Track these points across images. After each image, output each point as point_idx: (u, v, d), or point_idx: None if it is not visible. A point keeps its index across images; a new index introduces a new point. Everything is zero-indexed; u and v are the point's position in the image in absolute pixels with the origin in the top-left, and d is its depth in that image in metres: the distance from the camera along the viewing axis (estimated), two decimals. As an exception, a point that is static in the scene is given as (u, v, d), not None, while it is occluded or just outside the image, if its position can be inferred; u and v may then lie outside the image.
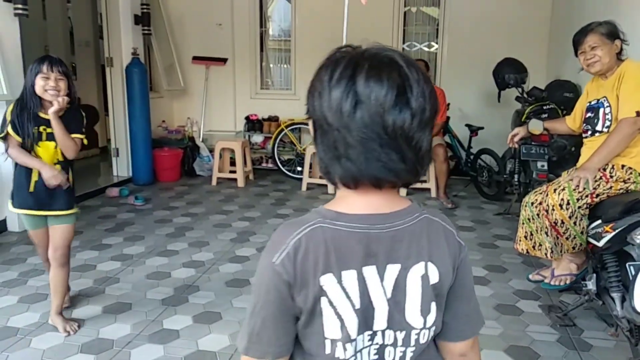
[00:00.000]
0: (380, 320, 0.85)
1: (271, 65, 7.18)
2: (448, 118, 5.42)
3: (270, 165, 6.62)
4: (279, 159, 6.35)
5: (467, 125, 5.62)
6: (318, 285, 0.81)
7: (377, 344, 0.86)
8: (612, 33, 2.37)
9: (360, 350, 0.86)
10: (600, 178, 2.31)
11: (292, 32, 6.64)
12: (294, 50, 6.64)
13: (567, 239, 2.35)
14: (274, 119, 6.58)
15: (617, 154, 2.29)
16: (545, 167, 3.71)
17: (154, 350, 2.53)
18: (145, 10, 5.87)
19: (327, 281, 0.81)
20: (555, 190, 2.38)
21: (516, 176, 4.26)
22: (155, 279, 3.35)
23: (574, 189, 2.36)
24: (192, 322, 2.80)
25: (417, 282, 0.85)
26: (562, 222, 2.34)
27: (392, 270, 0.84)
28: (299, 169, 6.20)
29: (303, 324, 0.84)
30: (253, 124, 6.61)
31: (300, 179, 5.87)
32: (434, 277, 0.86)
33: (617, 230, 2.06)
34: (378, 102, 0.77)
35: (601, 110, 2.41)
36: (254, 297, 0.85)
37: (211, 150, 6.32)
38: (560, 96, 4.51)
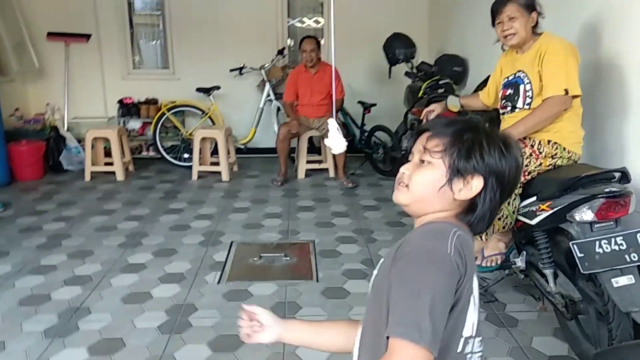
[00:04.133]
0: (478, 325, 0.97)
1: (143, 42, 6.45)
2: (342, 95, 5.28)
3: (152, 153, 6.00)
4: (162, 145, 5.76)
5: (360, 102, 5.54)
6: (472, 284, 0.92)
7: (479, 351, 0.98)
8: (530, 5, 2.33)
9: (472, 353, 0.96)
10: (530, 155, 2.28)
11: (163, 5, 5.99)
12: (169, 25, 6.01)
13: (499, 219, 2.31)
14: (152, 102, 5.95)
15: (540, 129, 2.27)
16: (448, 143, 3.71)
17: (43, 400, 2.05)
18: (-19, -23, 4.87)
19: (475, 282, 0.93)
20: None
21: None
22: (32, 304, 2.76)
23: None
24: (88, 355, 2.33)
25: None
26: (497, 204, 2.28)
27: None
28: (186, 155, 5.70)
29: (450, 317, 0.89)
30: (128, 109, 5.92)
31: (188, 167, 5.40)
32: None
33: (555, 209, 2.03)
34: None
35: (521, 86, 2.37)
36: (430, 288, 0.85)
37: (80, 141, 5.56)
38: (450, 70, 4.57)
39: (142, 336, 2.48)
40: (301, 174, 5.25)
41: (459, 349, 0.93)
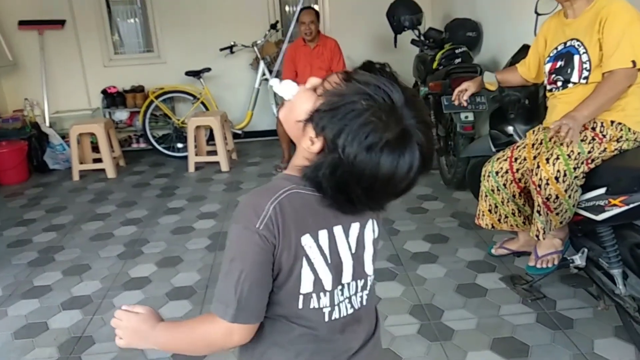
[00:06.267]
0: (347, 273, 0.94)
1: (122, 24, 5.95)
2: (343, 70, 4.90)
3: (142, 145, 5.63)
4: (153, 136, 5.39)
5: (362, 75, 5.15)
6: (300, 246, 0.88)
7: (346, 296, 0.96)
8: None
9: (338, 304, 0.94)
10: (593, 139, 1.97)
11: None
12: (149, 4, 5.54)
13: (557, 214, 2.01)
14: (138, 90, 5.53)
15: (606, 109, 1.95)
16: (470, 119, 3.38)
17: None
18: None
19: (307, 241, 0.88)
20: (547, 160, 1.99)
21: (433, 130, 3.92)
22: (27, 336, 2.46)
23: (552, 140, 2.02)
24: (96, 399, 2.05)
25: (370, 236, 0.97)
26: (557, 197, 1.97)
27: (355, 228, 0.94)
28: (180, 145, 5.34)
29: (280, 282, 0.89)
30: (113, 99, 5.51)
31: (183, 157, 5.05)
32: (375, 232, 0.99)
33: (632, 205, 1.73)
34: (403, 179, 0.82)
35: (575, 57, 2.03)
36: (238, 264, 0.86)
37: (64, 137, 5.16)
38: (463, 36, 4.20)
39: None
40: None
41: (300, 306, 0.92)
